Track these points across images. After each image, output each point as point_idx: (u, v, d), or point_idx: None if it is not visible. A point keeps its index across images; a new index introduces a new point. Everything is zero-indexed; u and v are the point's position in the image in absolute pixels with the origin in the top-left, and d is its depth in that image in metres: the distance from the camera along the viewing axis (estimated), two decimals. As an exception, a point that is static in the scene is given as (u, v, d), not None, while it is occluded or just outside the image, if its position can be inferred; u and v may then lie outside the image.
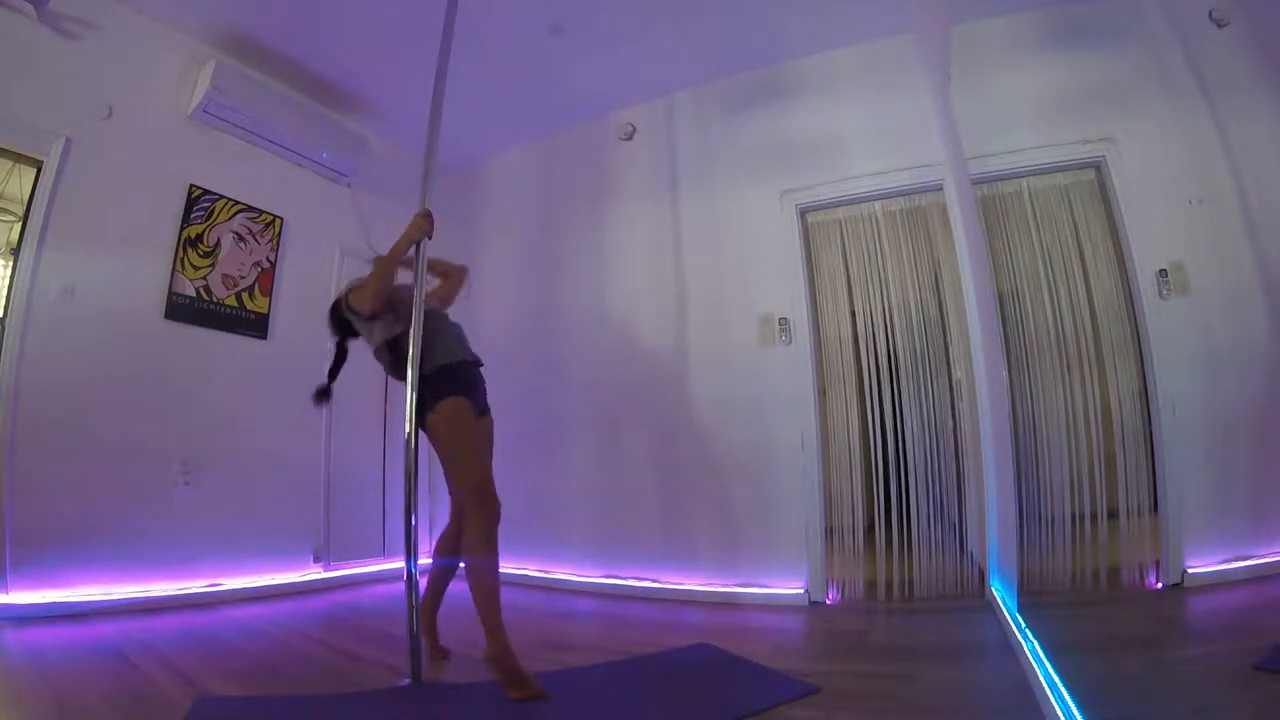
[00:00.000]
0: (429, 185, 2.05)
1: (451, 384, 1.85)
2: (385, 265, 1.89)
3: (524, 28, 2.98)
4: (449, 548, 1.99)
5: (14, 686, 1.64)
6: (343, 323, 2.06)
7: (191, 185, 2.98)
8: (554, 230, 3.75)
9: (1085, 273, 2.56)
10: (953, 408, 2.74)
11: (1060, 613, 2.34)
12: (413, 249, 1.95)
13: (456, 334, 2.01)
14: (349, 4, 2.85)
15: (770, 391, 2.95)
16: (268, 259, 3.27)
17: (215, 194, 3.06)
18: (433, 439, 1.84)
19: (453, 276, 2.25)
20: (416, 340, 1.83)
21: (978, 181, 2.54)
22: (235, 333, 3.10)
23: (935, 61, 2.29)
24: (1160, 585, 2.29)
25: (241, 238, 3.16)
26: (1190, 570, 2.25)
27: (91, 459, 2.55)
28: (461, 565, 1.81)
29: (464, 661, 1.93)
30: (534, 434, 3.54)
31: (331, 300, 2.11)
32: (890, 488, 2.75)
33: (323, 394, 2.09)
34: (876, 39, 3.01)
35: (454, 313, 2.16)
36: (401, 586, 1.75)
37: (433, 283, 2.16)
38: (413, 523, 1.74)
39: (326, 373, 2.11)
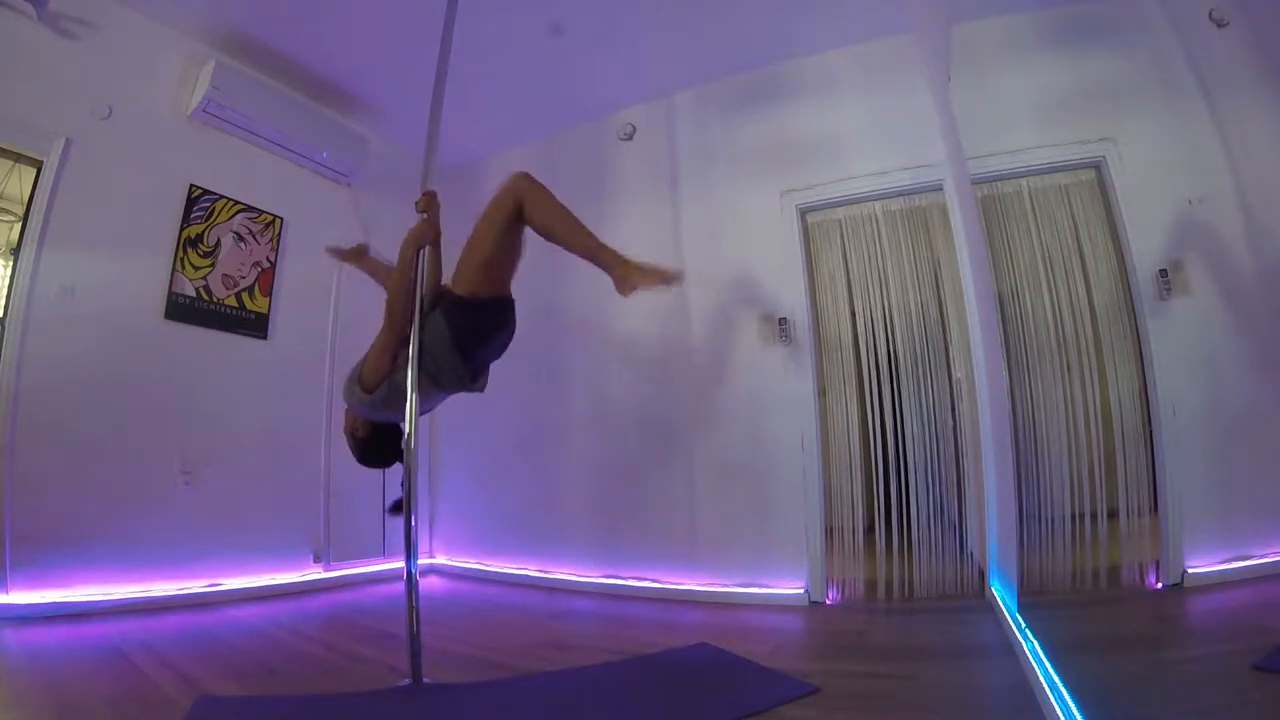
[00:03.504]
0: (429, 185, 2.05)
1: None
2: (396, 295, 1.79)
3: (524, 28, 2.98)
4: None
5: (14, 686, 1.64)
6: (373, 442, 1.90)
7: (191, 185, 2.97)
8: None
9: (1085, 273, 2.56)
10: (953, 408, 2.74)
11: (1060, 613, 2.34)
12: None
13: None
14: (349, 4, 2.85)
15: (770, 391, 2.95)
16: (268, 259, 3.27)
17: (215, 194, 3.06)
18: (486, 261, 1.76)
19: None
20: (415, 341, 1.82)
21: (978, 181, 2.54)
22: (235, 333, 3.10)
23: (935, 61, 2.29)
24: (1160, 585, 2.29)
25: (241, 238, 3.16)
26: (1190, 570, 2.25)
27: (91, 459, 2.55)
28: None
29: (464, 661, 1.93)
30: (534, 434, 3.54)
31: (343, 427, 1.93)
32: (890, 488, 2.75)
33: (397, 507, 1.83)
34: (876, 39, 3.01)
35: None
36: (401, 586, 1.75)
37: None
38: (413, 523, 1.74)
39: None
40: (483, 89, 3.36)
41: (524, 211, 1.73)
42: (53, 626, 2.23)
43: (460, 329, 1.77)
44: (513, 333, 1.89)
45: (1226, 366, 2.34)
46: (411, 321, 1.80)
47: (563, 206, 1.74)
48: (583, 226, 1.74)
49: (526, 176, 1.74)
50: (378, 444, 1.90)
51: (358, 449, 1.93)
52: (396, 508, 1.81)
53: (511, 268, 1.82)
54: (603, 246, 1.72)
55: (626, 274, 1.68)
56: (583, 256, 1.73)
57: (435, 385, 1.82)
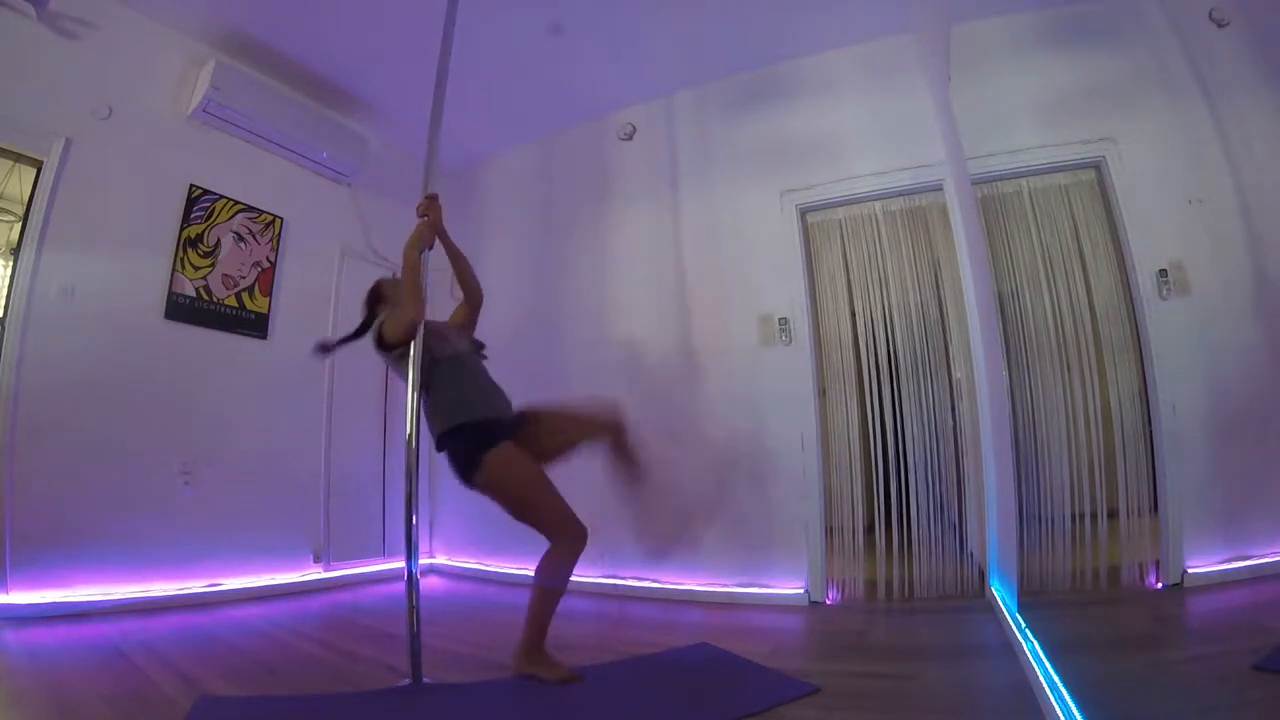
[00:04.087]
0: (429, 185, 2.05)
1: (496, 433, 1.79)
2: (409, 295, 1.83)
3: (524, 28, 2.98)
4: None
5: (14, 686, 1.64)
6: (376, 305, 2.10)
7: (191, 185, 2.97)
8: (554, 230, 3.75)
9: (1085, 273, 2.56)
10: (953, 408, 2.74)
11: (1060, 613, 2.34)
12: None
13: (488, 383, 1.93)
14: (349, 4, 2.85)
15: (770, 391, 2.95)
16: (268, 259, 3.27)
17: (215, 194, 3.06)
18: (493, 494, 1.79)
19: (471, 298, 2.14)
20: (418, 343, 1.82)
21: (978, 181, 2.54)
22: (235, 333, 3.10)
23: (935, 61, 2.29)
24: (1160, 585, 2.29)
25: (241, 238, 3.16)
26: (1190, 570, 2.25)
27: (91, 459, 2.54)
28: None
29: (464, 661, 1.93)
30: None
31: (372, 284, 2.15)
32: (890, 488, 2.75)
33: (325, 348, 2.14)
34: (876, 39, 3.01)
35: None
36: (401, 586, 1.75)
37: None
38: (413, 523, 1.74)
39: (340, 336, 2.12)
40: (483, 89, 3.36)
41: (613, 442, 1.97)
42: (53, 626, 2.23)
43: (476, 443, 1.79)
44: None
45: (1226, 366, 2.34)
46: (423, 316, 1.84)
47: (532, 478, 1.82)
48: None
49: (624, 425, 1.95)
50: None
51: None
52: (324, 347, 2.13)
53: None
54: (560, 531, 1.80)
55: (522, 655, 1.75)
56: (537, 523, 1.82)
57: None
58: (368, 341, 2.00)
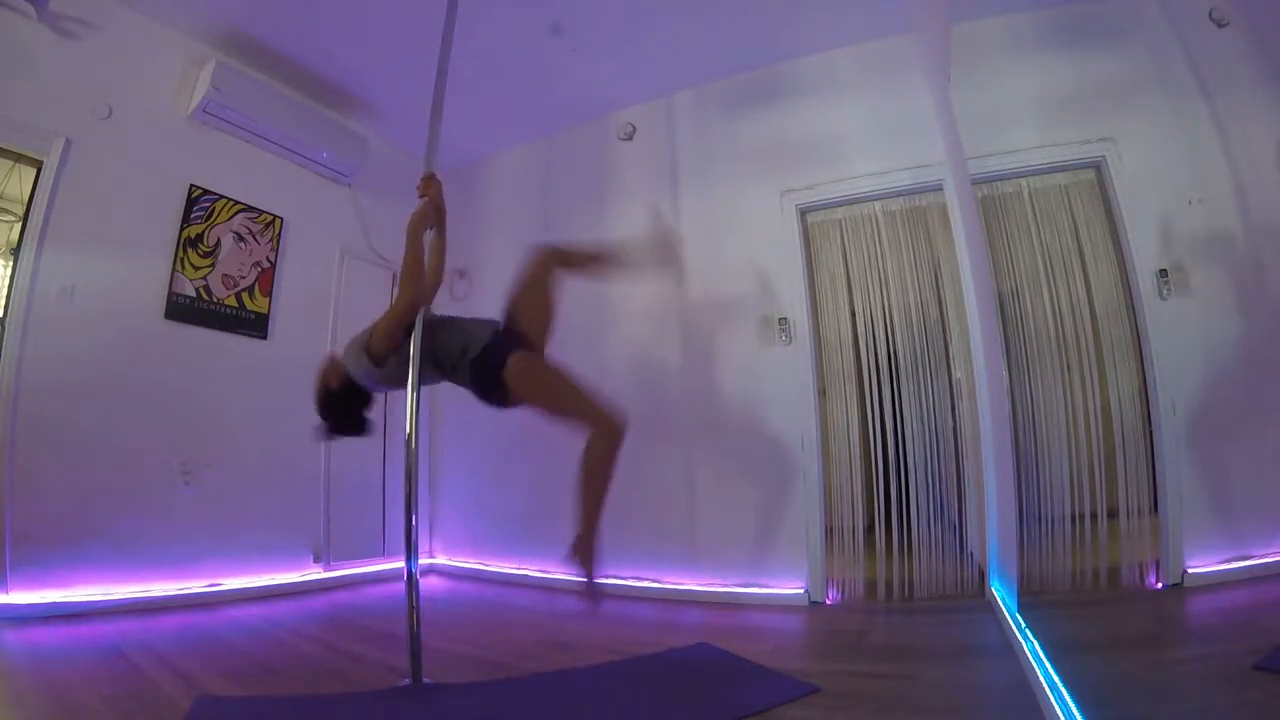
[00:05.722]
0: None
1: (508, 345, 1.78)
2: (410, 272, 1.78)
3: (524, 28, 2.98)
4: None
5: (14, 686, 1.64)
6: (343, 401, 1.85)
7: (191, 185, 2.97)
8: (554, 230, 3.74)
9: (1085, 273, 2.56)
10: (953, 408, 2.74)
11: (1060, 613, 2.34)
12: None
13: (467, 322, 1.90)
14: (349, 4, 2.85)
15: (770, 391, 2.95)
16: (268, 259, 3.26)
17: (215, 194, 3.06)
18: (523, 398, 1.80)
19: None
20: (418, 337, 1.82)
21: (978, 181, 2.54)
22: (235, 333, 3.10)
23: (935, 61, 2.29)
24: (1160, 585, 2.29)
25: (241, 238, 3.16)
26: (1190, 570, 2.25)
27: (91, 459, 2.54)
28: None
29: (464, 661, 1.93)
30: (534, 434, 3.53)
31: (317, 387, 1.86)
32: (890, 488, 2.75)
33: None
34: (876, 39, 3.01)
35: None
36: (401, 586, 1.75)
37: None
38: (413, 523, 1.74)
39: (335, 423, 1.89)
40: (483, 89, 3.36)
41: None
42: (52, 626, 2.23)
43: (494, 360, 1.77)
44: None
45: (1226, 366, 2.34)
46: (425, 301, 1.84)
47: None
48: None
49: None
50: (346, 404, 1.85)
51: (324, 399, 1.84)
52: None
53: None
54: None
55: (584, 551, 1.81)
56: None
57: (441, 374, 1.86)
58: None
